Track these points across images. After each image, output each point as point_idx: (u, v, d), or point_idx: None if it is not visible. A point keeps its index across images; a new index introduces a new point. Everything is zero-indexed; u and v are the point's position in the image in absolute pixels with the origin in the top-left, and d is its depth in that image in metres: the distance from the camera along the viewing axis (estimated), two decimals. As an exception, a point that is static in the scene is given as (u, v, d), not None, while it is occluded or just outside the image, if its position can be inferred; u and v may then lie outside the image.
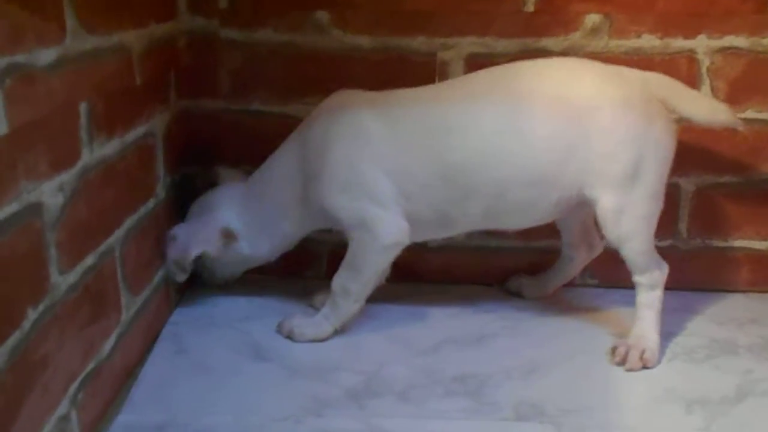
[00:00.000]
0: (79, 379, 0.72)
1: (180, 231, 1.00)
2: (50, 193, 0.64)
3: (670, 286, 1.16)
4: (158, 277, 0.99)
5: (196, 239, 0.98)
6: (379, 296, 1.02)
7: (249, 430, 0.77)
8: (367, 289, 0.96)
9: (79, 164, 0.71)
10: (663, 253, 1.17)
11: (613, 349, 0.94)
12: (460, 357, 0.95)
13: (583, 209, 0.97)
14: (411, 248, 0.96)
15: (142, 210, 0.92)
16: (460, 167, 0.90)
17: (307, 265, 1.17)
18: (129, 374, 0.87)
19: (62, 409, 0.68)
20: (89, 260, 0.74)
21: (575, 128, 0.88)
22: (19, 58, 0.58)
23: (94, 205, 0.75)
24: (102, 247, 0.78)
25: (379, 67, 1.07)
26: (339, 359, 0.92)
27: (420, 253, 1.13)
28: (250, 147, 1.09)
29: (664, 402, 0.85)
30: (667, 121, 0.93)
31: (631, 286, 1.15)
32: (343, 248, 0.97)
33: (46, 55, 0.63)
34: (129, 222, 0.87)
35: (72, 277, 0.70)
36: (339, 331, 0.98)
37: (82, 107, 0.71)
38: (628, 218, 0.92)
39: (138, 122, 0.89)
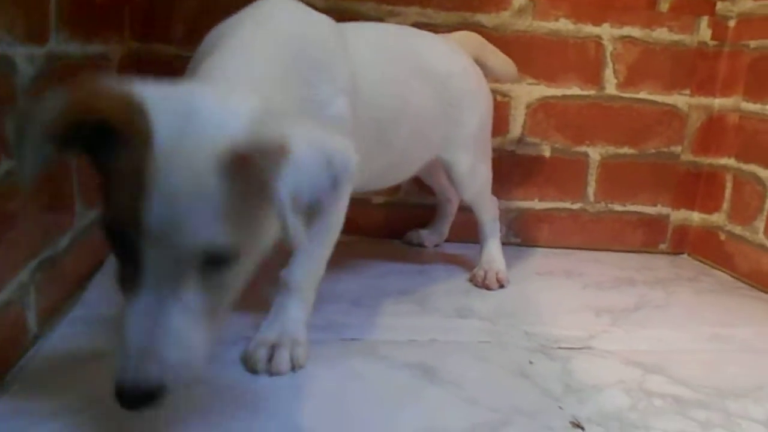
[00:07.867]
0: (38, 260, 0.73)
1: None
2: (22, 58, 0.68)
3: (580, 246, 1.35)
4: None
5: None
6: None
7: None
8: None
9: (47, 46, 0.75)
10: (574, 215, 1.36)
11: (473, 275, 1.05)
12: (405, 280, 1.05)
13: (436, 168, 1.06)
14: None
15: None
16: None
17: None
18: (81, 282, 0.88)
19: (23, 276, 0.69)
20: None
21: (439, 97, 0.92)
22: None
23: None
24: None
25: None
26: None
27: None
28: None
29: (577, 311, 0.99)
30: (485, 80, 1.02)
31: (543, 245, 1.33)
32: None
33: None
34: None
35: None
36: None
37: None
38: (478, 176, 1.01)
39: (95, 39, 0.92)
